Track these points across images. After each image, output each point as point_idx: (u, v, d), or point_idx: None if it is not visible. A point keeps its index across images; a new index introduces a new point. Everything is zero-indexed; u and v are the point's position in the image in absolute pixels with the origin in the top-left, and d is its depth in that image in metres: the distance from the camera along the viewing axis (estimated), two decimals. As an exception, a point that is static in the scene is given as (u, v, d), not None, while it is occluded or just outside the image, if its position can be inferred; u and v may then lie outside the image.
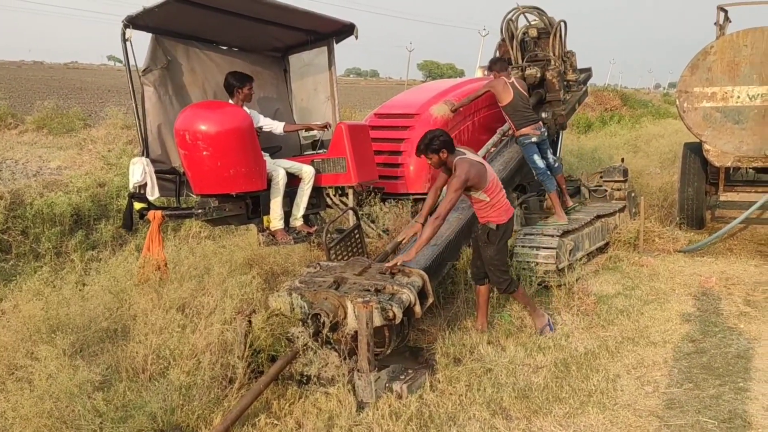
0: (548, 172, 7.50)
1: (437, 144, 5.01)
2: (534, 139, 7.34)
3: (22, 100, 22.99)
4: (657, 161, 14.79)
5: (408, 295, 4.57)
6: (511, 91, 7.16)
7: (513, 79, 7.33)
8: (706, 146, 8.19)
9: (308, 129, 6.57)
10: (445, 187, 5.24)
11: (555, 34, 8.35)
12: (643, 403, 4.18)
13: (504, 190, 5.41)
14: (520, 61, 8.40)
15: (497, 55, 8.70)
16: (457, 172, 4.97)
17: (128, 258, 6.57)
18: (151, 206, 5.62)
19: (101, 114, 18.09)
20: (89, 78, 37.83)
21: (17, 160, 13.60)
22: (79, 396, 3.83)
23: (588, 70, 9.87)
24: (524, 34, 8.50)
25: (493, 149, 7.69)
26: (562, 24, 8.56)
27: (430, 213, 5.16)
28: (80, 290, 5.61)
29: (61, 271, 6.20)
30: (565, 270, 6.63)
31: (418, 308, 4.63)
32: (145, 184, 5.54)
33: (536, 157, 7.37)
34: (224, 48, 6.41)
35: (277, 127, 6.33)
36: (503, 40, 8.50)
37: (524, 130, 7.26)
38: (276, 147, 6.39)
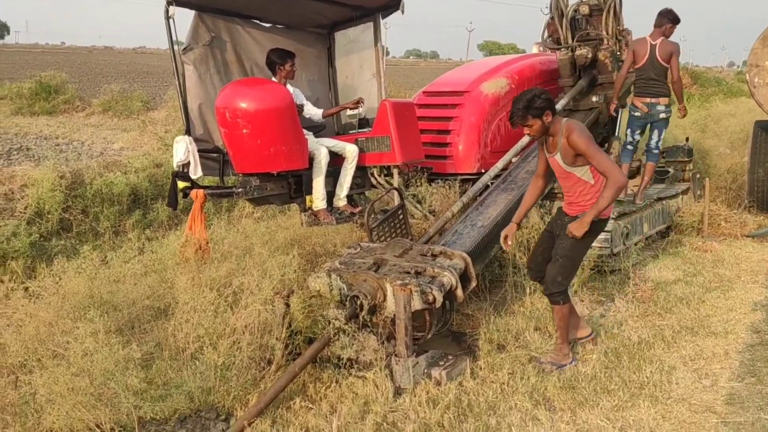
0: (629, 148, 7.52)
1: (540, 104, 4.07)
2: (637, 114, 7.29)
3: (90, 84, 23.78)
4: (727, 141, 14.00)
5: (449, 278, 4.40)
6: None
7: (659, 41, 7.11)
8: (779, 124, 7.65)
9: (344, 109, 6.43)
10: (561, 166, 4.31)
11: (609, 11, 7.75)
12: (699, 397, 3.90)
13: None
14: (570, 41, 7.82)
15: (546, 33, 8.25)
16: (573, 132, 4.09)
17: (178, 238, 6.62)
18: (194, 185, 5.62)
19: (164, 97, 18.51)
20: (155, 62, 38.82)
21: (83, 141, 14.03)
22: (115, 374, 3.83)
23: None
24: (575, 11, 7.99)
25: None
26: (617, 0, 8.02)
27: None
28: (123, 268, 5.65)
29: (119, 249, 6.29)
30: (621, 255, 6.32)
31: (459, 292, 4.46)
32: (189, 163, 5.52)
33: (630, 130, 7.39)
34: (267, 25, 6.32)
35: (315, 113, 6.24)
36: (552, 18, 8.03)
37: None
38: (320, 126, 6.28)
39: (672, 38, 7.14)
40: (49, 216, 8.17)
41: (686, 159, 8.58)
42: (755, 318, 5.09)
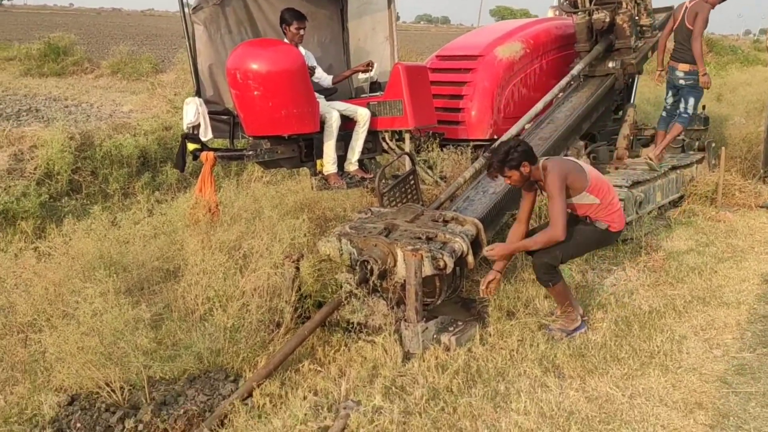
0: (663, 114, 7.76)
1: (516, 157, 4.17)
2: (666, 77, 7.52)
3: (99, 45, 23.61)
4: (743, 110, 13.77)
5: (460, 245, 4.36)
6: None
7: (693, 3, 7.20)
8: (799, 93, 7.48)
9: (355, 73, 6.32)
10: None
11: None
12: (710, 367, 3.88)
13: (616, 192, 4.58)
14: (587, 4, 7.59)
15: None
16: (548, 172, 4.20)
17: (187, 200, 6.61)
18: (204, 147, 5.56)
19: (173, 60, 18.35)
20: (164, 24, 38.49)
21: (92, 103, 13.98)
22: (125, 334, 3.84)
23: (669, 9, 9.12)
24: None
25: (561, 94, 7.23)
26: None
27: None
28: (133, 230, 5.64)
29: (129, 211, 6.29)
30: (633, 223, 6.26)
31: (471, 258, 4.42)
32: (199, 125, 5.46)
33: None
34: (280, -15, 6.19)
35: (326, 79, 6.13)
36: None
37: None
38: (331, 89, 6.19)
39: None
40: (58, 177, 8.18)
41: (702, 128, 8.44)
42: (767, 289, 5.05)
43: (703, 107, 9.18)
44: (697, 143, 8.41)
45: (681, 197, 7.60)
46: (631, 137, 7.97)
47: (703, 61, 7.27)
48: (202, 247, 5.01)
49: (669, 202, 7.35)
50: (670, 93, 7.68)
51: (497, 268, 4.52)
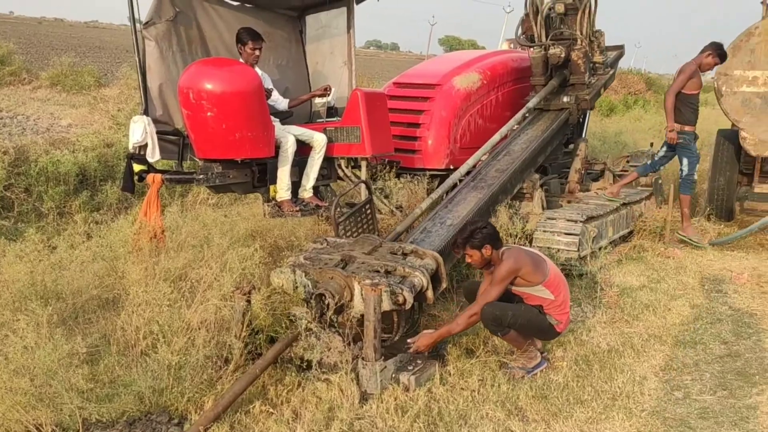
0: (647, 162, 8.14)
1: (479, 238, 4.13)
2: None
3: (39, 56, 22.73)
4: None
5: (420, 279, 4.21)
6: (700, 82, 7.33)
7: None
8: (743, 134, 7.71)
9: (312, 97, 6.16)
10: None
11: (584, 11, 7.65)
12: (672, 410, 3.81)
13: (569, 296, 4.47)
14: (543, 39, 7.69)
15: (520, 30, 8.12)
16: (503, 261, 4.17)
17: (128, 222, 6.26)
18: (151, 169, 5.28)
19: (117, 74, 17.78)
20: (108, 37, 37.50)
21: (29, 116, 13.36)
22: (58, 372, 3.51)
23: (620, 47, 9.34)
24: (550, 9, 7.84)
25: (516, 126, 7.24)
26: (593, 0, 7.93)
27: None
28: (69, 254, 5.28)
29: (63, 232, 5.90)
30: (588, 258, 6.25)
31: (430, 293, 4.27)
32: (146, 145, 5.18)
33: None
34: (236, 3, 5.98)
35: (281, 102, 5.94)
36: (527, 14, 7.88)
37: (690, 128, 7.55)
38: (287, 112, 5.99)
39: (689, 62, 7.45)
40: (-12, 193, 7.68)
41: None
42: (721, 328, 5.06)
43: (651, 144, 9.40)
44: (644, 179, 8.53)
45: (630, 232, 7.67)
46: (583, 171, 8.05)
47: (671, 117, 7.43)
48: (145, 276, 4.71)
49: (619, 237, 7.40)
50: (664, 148, 7.86)
51: (439, 336, 4.22)
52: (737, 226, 8.33)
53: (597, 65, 8.14)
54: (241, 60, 5.49)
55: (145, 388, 3.69)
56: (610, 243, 7.09)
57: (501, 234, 5.43)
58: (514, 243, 5.63)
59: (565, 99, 7.62)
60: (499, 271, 4.16)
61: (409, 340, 4.22)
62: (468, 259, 4.30)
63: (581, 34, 7.52)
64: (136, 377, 3.81)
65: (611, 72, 8.52)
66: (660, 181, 8.81)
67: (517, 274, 4.17)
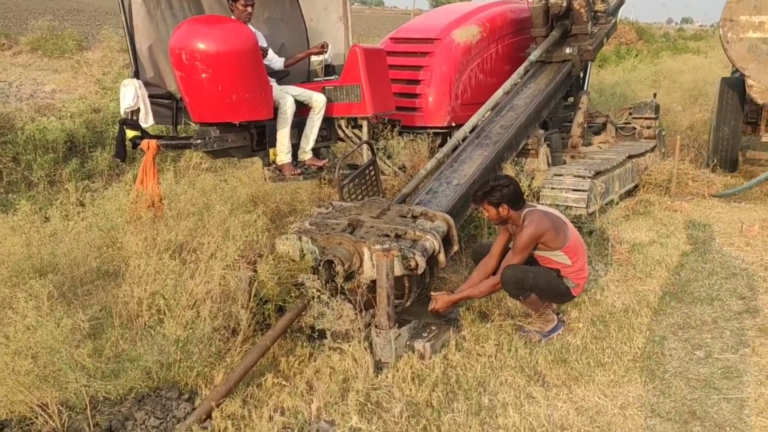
0: None
1: (497, 196, 4.00)
2: None
3: (16, 20, 22.10)
4: (680, 98, 14.06)
5: (432, 242, 4.06)
6: None
7: None
8: (749, 81, 7.51)
9: (308, 55, 5.91)
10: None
11: None
12: (695, 371, 3.72)
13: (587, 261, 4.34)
14: None
15: None
16: (525, 224, 4.01)
17: (123, 190, 6.06)
18: (145, 134, 5.06)
19: (98, 37, 17.29)
20: (86, -1, 36.48)
21: (11, 82, 13.04)
22: (61, 350, 3.37)
23: (620, -5, 9.06)
24: None
25: (519, 81, 7.02)
26: None
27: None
28: (65, 225, 5.09)
29: (55, 202, 5.71)
30: (596, 214, 6.12)
31: (442, 257, 4.13)
32: (138, 110, 4.96)
33: None
34: (228, -43, 5.68)
35: (276, 61, 5.68)
36: None
37: None
38: (283, 72, 5.75)
39: None
40: (-25, 164, 7.44)
41: (653, 116, 8.40)
42: (737, 283, 4.96)
43: (654, 95, 9.20)
44: (648, 131, 8.36)
45: (635, 186, 7.54)
46: (585, 125, 7.86)
47: None
48: (145, 246, 4.54)
49: (625, 192, 7.27)
50: None
51: (456, 298, 4.15)
52: (742, 176, 8.20)
53: (599, 14, 7.88)
54: (233, 17, 5.23)
55: (153, 363, 3.56)
56: (618, 198, 6.96)
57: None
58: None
59: (568, 50, 7.39)
60: (520, 238, 4.01)
61: (431, 303, 4.14)
62: (485, 214, 4.20)
63: (583, -19, 7.25)
64: (142, 352, 3.67)
65: (613, 21, 8.26)
66: (664, 133, 8.64)
67: (539, 241, 4.03)
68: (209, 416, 3.26)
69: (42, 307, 3.55)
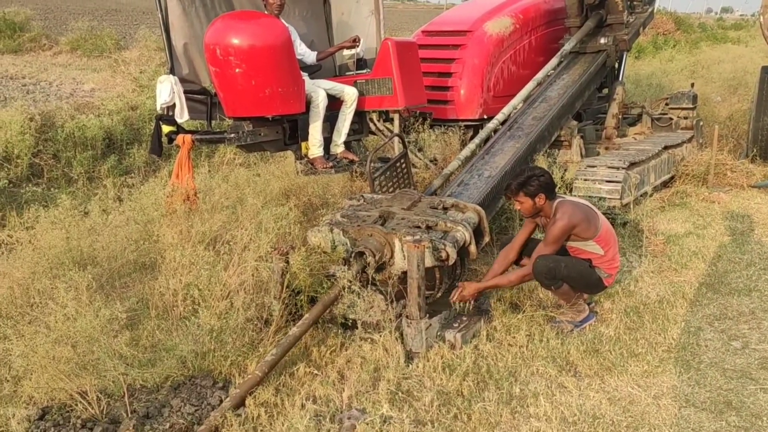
0: None
1: (534, 185, 3.96)
2: None
3: (57, 21, 22.61)
4: (718, 88, 13.73)
5: (463, 233, 4.07)
6: None
7: None
8: (790, 69, 7.32)
9: (340, 49, 5.94)
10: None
11: None
12: (731, 361, 3.66)
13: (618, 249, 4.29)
14: None
15: None
16: (558, 216, 3.97)
17: (159, 185, 6.19)
18: (180, 130, 5.16)
19: (135, 36, 17.61)
20: (124, 0, 37.14)
21: (51, 82, 13.33)
22: (100, 339, 3.46)
23: (658, -18, 8.88)
24: None
25: (552, 72, 6.95)
26: None
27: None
28: (103, 219, 5.22)
29: (94, 197, 5.85)
30: (631, 206, 6.05)
31: (473, 248, 4.14)
32: (174, 105, 5.05)
33: None
34: (257, -46, 5.75)
35: (309, 55, 5.72)
36: None
37: None
38: (315, 67, 5.80)
39: None
40: (18, 161, 7.68)
41: (691, 106, 8.24)
42: (776, 274, 4.86)
43: (692, 85, 9.02)
44: (685, 121, 8.21)
45: (672, 177, 7.41)
46: (620, 116, 7.75)
47: None
48: (180, 239, 4.64)
49: (661, 183, 7.15)
50: None
51: (482, 287, 4.14)
52: (783, 167, 7.99)
53: (635, 3, 7.76)
54: (265, 12, 5.29)
55: (188, 352, 3.64)
56: (653, 189, 6.85)
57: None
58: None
59: (603, 40, 7.29)
60: (552, 230, 3.97)
61: (455, 292, 4.13)
62: (517, 206, 4.13)
63: (618, -31, 7.14)
64: (177, 341, 3.76)
65: (650, 10, 8.12)
66: (702, 124, 8.47)
67: (572, 232, 4.00)
68: (243, 404, 3.32)
69: (81, 298, 3.66)
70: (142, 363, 3.67)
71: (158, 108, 5.07)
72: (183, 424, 3.23)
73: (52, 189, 7.65)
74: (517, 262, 4.32)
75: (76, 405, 3.28)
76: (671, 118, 8.21)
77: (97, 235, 5.16)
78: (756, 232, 5.81)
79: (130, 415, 3.27)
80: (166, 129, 5.07)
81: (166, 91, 4.97)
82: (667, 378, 3.50)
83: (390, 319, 3.91)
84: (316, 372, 3.63)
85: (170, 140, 5.11)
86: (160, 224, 4.87)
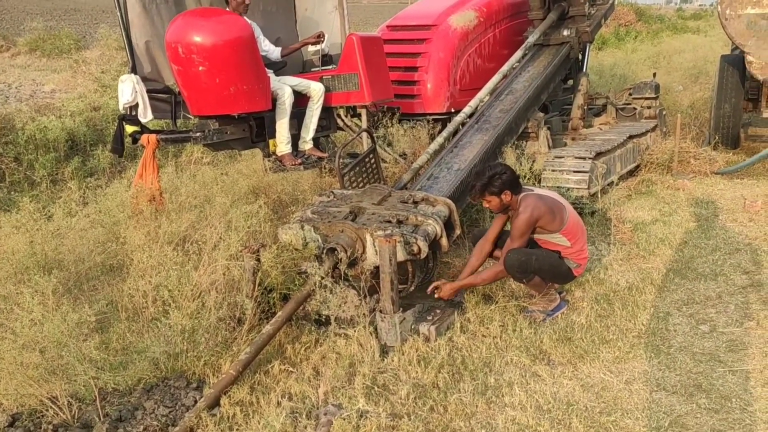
0: None
1: (497, 184, 3.98)
2: None
3: (13, 22, 22.07)
4: (680, 77, 13.99)
5: (434, 227, 4.07)
6: None
7: None
8: (749, 58, 7.45)
9: (305, 45, 5.90)
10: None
11: None
12: (700, 345, 3.73)
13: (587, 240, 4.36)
14: None
15: None
16: (521, 209, 4.01)
17: (125, 187, 6.08)
18: (144, 129, 5.07)
19: (95, 35, 17.29)
20: (82, -1, 36.38)
21: (10, 83, 13.02)
22: (68, 343, 3.39)
23: (618, -25, 9.01)
24: None
25: (517, 64, 7.00)
26: None
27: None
28: (68, 222, 5.12)
29: (58, 200, 5.73)
30: (598, 195, 6.12)
31: (444, 241, 4.14)
32: (137, 105, 4.96)
33: None
34: (220, -52, 5.67)
35: (273, 52, 5.67)
36: None
37: None
38: (280, 63, 5.75)
39: None
40: (-23, 165, 7.48)
41: (653, 95, 8.37)
42: (740, 258, 4.96)
43: (654, 75, 9.16)
44: (648, 111, 8.33)
45: (637, 166, 7.52)
46: (585, 107, 7.84)
47: None
48: (148, 240, 4.56)
49: (627, 172, 7.26)
50: None
51: (458, 285, 4.18)
52: (744, 153, 8.17)
53: (596, -5, 7.86)
54: (228, 9, 5.23)
55: (160, 354, 3.58)
56: (619, 178, 6.95)
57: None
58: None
59: (566, 32, 7.36)
60: (516, 223, 4.01)
61: (431, 287, 4.17)
62: (486, 205, 4.16)
63: (579, -39, 7.22)
64: (149, 343, 3.70)
65: (611, 1, 8.23)
66: (665, 113, 8.61)
67: (536, 225, 4.04)
68: (217, 403, 3.29)
69: (47, 303, 3.58)
70: (114, 366, 3.62)
71: (121, 108, 4.98)
72: (157, 426, 3.19)
73: (13, 193, 7.47)
74: (491, 253, 4.33)
75: (47, 410, 3.23)
76: (635, 108, 8.32)
77: (63, 238, 5.05)
78: (720, 218, 5.93)
79: (102, 419, 3.22)
80: (129, 129, 4.98)
81: (128, 90, 4.88)
82: (638, 363, 3.55)
83: (364, 314, 3.91)
84: (291, 369, 3.61)
85: (134, 140, 5.03)
86: (126, 226, 4.79)
